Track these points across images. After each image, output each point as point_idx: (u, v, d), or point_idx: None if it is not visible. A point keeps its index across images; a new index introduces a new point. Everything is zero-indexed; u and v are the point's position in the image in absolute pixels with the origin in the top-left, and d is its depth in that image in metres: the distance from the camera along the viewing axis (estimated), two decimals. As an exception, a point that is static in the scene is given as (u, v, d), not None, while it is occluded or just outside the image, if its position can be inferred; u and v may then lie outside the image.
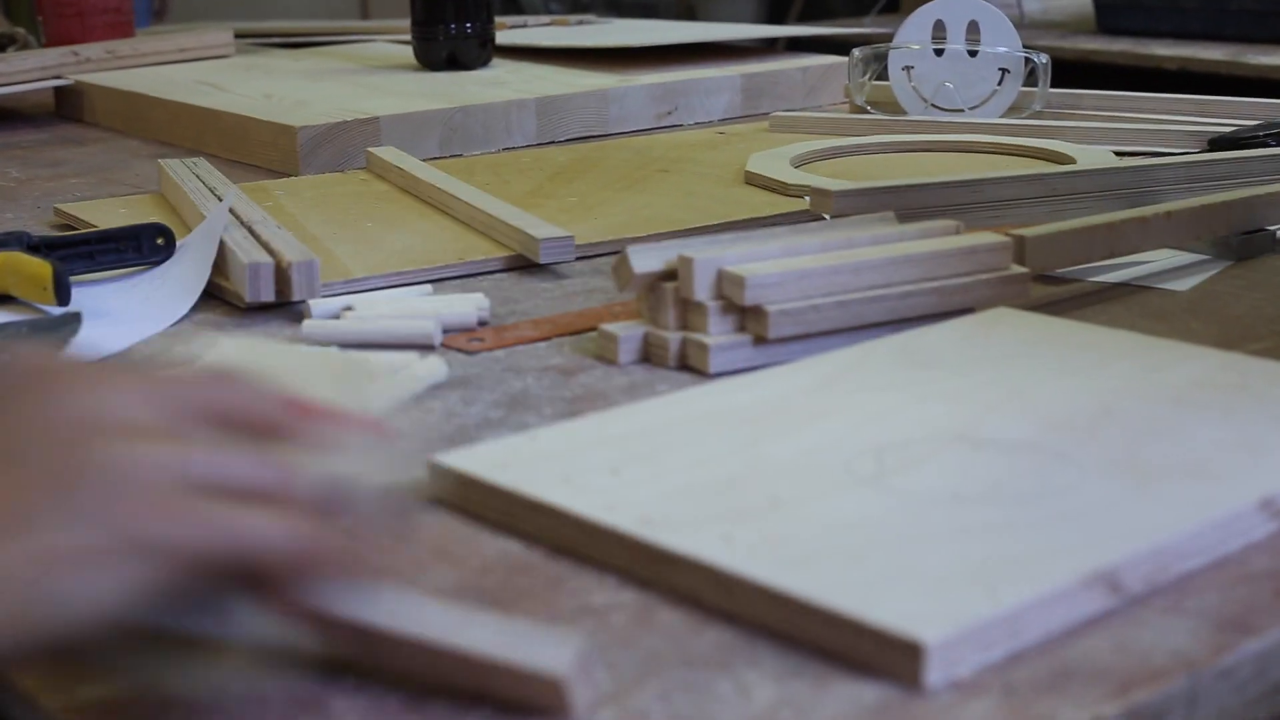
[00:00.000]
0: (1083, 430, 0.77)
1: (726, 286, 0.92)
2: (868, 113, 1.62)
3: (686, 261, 0.92)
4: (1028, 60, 1.59)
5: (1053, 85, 1.59)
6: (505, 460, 0.75)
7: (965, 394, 0.82)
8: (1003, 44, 1.59)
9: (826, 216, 1.11)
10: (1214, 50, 2.38)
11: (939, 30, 1.62)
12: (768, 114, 1.69)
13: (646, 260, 0.94)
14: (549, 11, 4.17)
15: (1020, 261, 1.01)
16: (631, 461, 0.74)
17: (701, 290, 0.92)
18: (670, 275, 0.94)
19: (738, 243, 0.96)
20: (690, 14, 5.84)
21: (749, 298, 0.91)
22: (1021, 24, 2.86)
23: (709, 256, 0.92)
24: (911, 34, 1.61)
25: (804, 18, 3.65)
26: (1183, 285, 1.08)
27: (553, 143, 1.62)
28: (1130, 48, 2.45)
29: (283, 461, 0.60)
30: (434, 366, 0.91)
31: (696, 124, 1.72)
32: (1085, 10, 2.79)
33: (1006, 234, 1.01)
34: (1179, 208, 1.11)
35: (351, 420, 0.64)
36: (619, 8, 4.98)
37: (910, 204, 1.10)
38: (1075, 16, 2.88)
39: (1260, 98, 1.64)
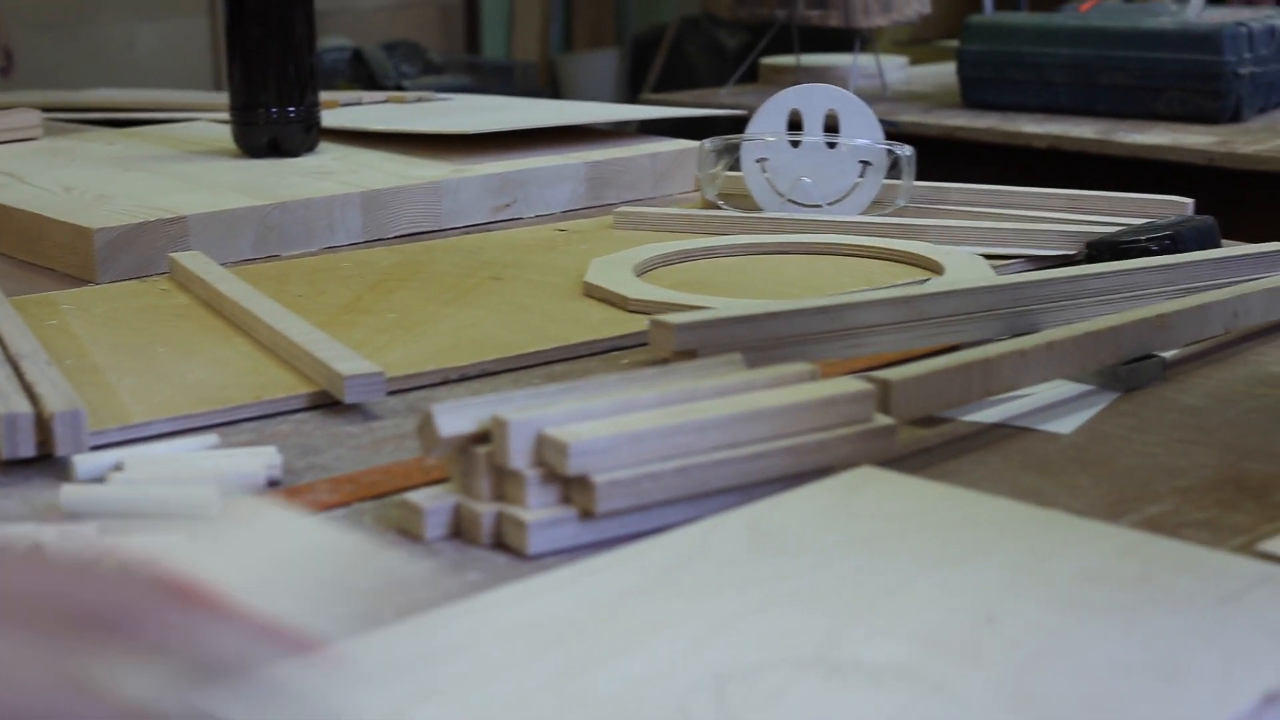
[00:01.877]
0: (962, 648, 0.64)
1: (547, 453, 0.79)
2: (720, 208, 1.50)
3: (500, 424, 0.79)
4: (890, 151, 1.47)
5: (919, 163, 1.48)
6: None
7: (823, 593, 0.69)
8: (864, 135, 1.48)
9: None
10: (1084, 127, 2.29)
11: (798, 118, 1.50)
12: (615, 205, 1.57)
13: (455, 420, 0.81)
14: (401, 77, 4.04)
15: (885, 410, 0.89)
16: (423, 701, 0.61)
17: (518, 457, 0.79)
18: (485, 436, 0.81)
19: (562, 396, 0.83)
20: (551, 76, 5.74)
21: (573, 466, 0.78)
22: (884, 96, 2.76)
23: (527, 417, 0.79)
24: (766, 123, 1.49)
25: (665, 85, 3.55)
26: (1066, 426, 0.97)
27: (380, 240, 1.49)
28: (998, 124, 2.36)
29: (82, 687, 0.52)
30: (204, 552, 0.78)
31: (537, 217, 1.59)
32: (951, 81, 2.69)
33: (870, 379, 0.89)
34: (1061, 337, 0.99)
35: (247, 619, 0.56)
36: (477, 71, 4.86)
37: (761, 336, 0.98)
38: (941, 88, 2.78)
39: (1132, 185, 1.55)
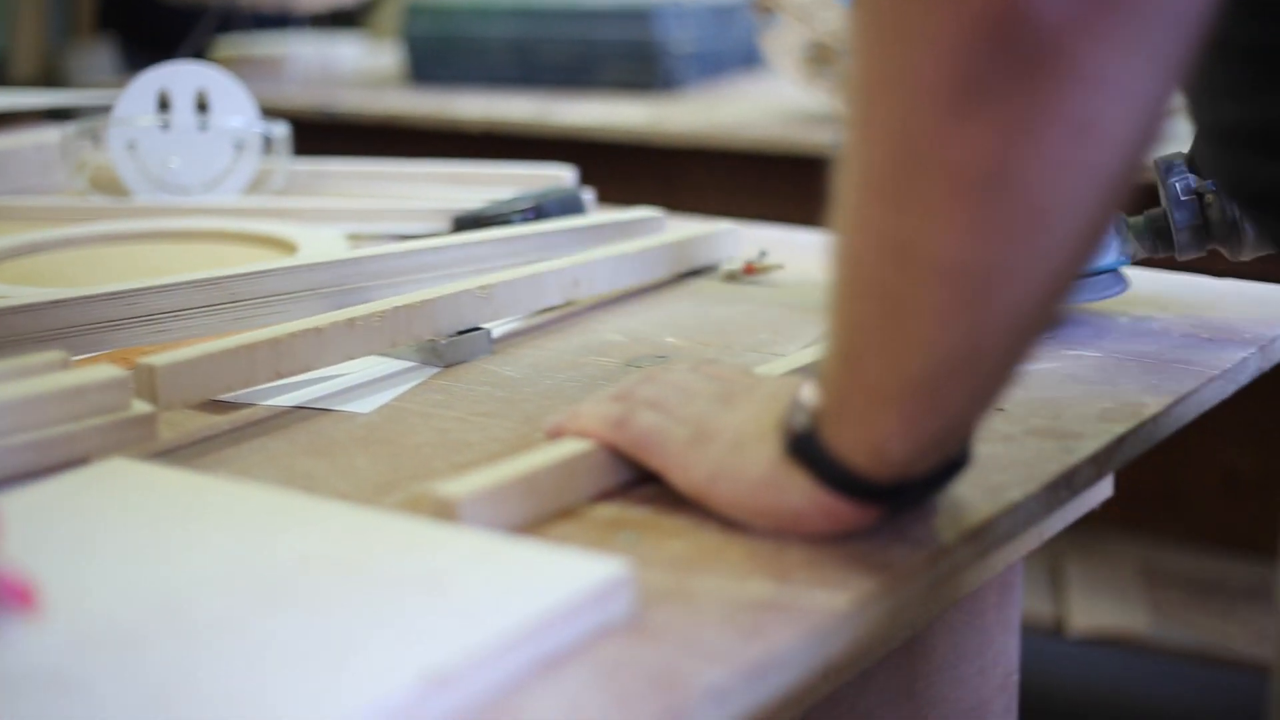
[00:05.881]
0: (128, 648, 0.60)
1: None
2: (91, 197, 1.43)
3: None
4: (263, 132, 1.43)
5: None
6: None
7: None
8: (236, 115, 1.43)
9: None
10: (523, 104, 2.28)
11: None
12: (-4, 198, 1.48)
13: None
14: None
15: (151, 397, 0.84)
16: None
17: None
18: None
19: None
20: (51, 65, 5.52)
21: None
22: (329, 80, 2.70)
23: None
24: (133, 105, 1.43)
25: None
26: (367, 406, 0.94)
27: None
28: (438, 108, 2.32)
29: None
30: None
31: (-96, 214, 1.50)
32: (402, 62, 2.65)
33: (133, 364, 0.84)
34: (365, 313, 0.96)
35: None
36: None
37: (47, 326, 0.93)
38: (391, 70, 2.74)
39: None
